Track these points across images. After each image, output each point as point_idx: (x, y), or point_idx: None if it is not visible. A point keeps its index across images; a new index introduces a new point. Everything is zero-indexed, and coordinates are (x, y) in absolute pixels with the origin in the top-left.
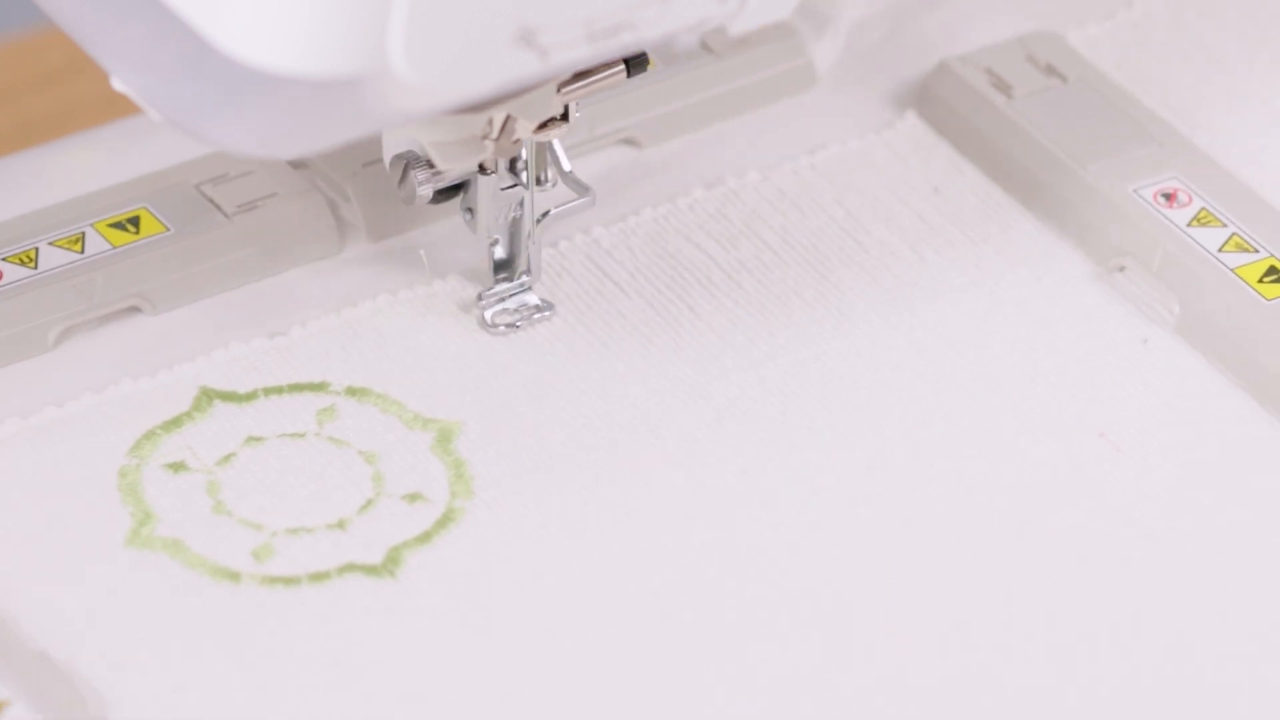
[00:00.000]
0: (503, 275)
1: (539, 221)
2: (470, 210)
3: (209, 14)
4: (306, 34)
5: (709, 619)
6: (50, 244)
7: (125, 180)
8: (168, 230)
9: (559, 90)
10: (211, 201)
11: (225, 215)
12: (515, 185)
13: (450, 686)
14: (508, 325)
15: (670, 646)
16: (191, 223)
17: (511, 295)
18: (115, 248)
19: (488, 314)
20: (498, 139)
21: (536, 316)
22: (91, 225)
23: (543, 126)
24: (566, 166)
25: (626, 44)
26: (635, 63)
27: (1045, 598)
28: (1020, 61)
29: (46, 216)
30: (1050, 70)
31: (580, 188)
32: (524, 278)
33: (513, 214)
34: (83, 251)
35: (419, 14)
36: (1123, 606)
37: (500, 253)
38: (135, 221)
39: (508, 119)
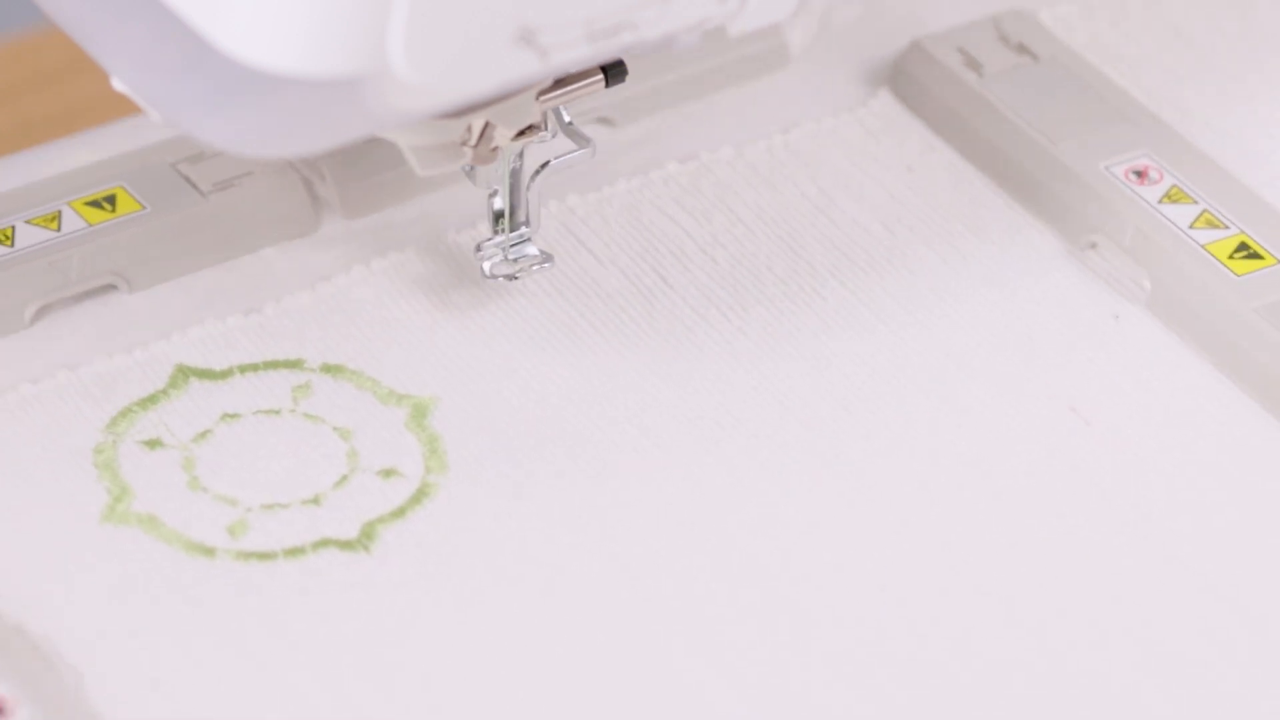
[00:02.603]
0: (501, 226)
1: (538, 172)
2: (471, 166)
3: (209, 14)
4: (306, 34)
5: (684, 589)
6: (26, 222)
7: (102, 159)
8: (144, 208)
9: (537, 98)
10: (188, 180)
11: (201, 193)
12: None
13: (426, 660)
14: (507, 276)
15: (645, 617)
16: (168, 201)
17: (511, 245)
18: (91, 226)
19: (486, 265)
20: (476, 146)
21: (535, 267)
22: (68, 203)
23: (521, 134)
24: (566, 118)
25: (626, 44)
26: (614, 72)
27: (1015, 569)
28: (992, 40)
29: (23, 195)
30: (1022, 49)
31: (580, 139)
32: (523, 229)
33: (512, 165)
34: (59, 230)
35: (419, 14)
36: (1094, 577)
37: (499, 203)
38: (111, 200)
39: (486, 126)
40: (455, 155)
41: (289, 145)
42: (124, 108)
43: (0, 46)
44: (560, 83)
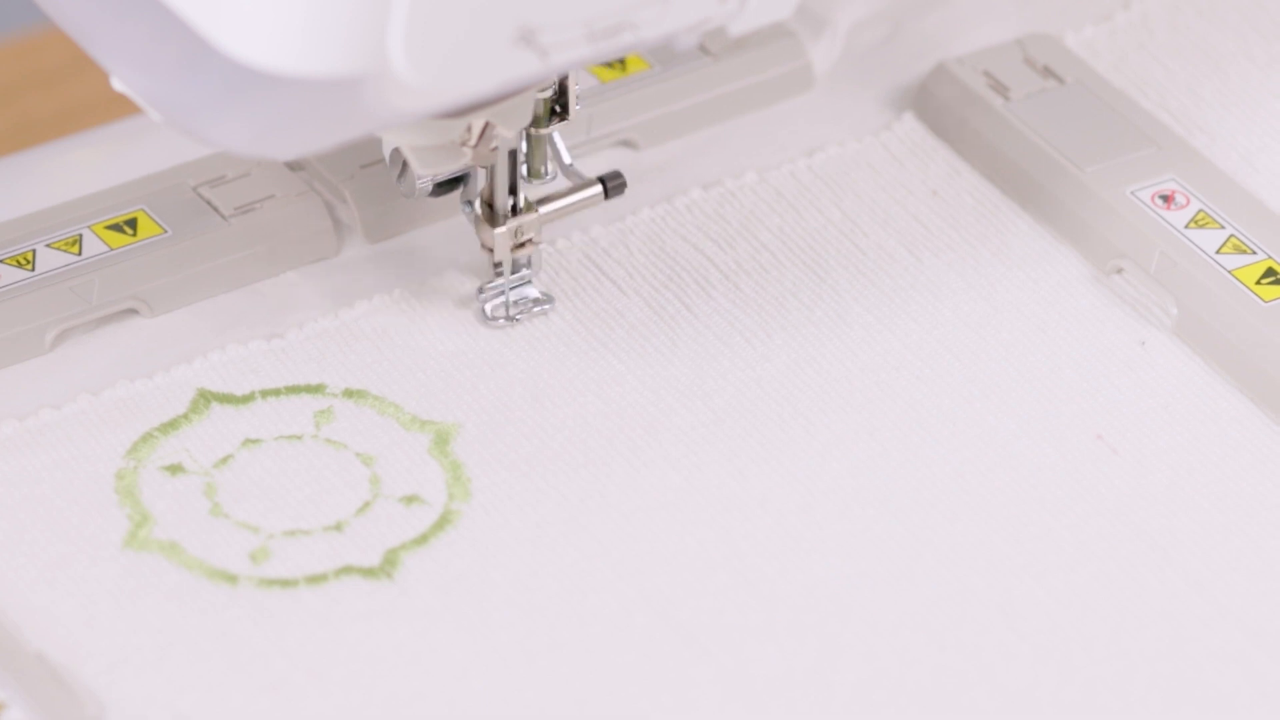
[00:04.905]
0: (502, 268)
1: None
2: (470, 203)
3: (208, 13)
4: (305, 33)
5: (706, 620)
6: (48, 246)
7: (123, 182)
8: (165, 232)
9: (536, 210)
10: (209, 203)
11: (223, 217)
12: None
13: (448, 687)
14: (507, 318)
15: (667, 647)
16: (189, 225)
17: (511, 288)
18: (112, 250)
19: (487, 307)
20: (476, 145)
21: (536, 310)
22: (89, 227)
23: (520, 246)
24: (567, 159)
25: (627, 44)
26: (613, 186)
27: (1042, 599)
28: (1017, 63)
29: (44, 218)
30: (1047, 72)
31: (581, 181)
32: (524, 271)
33: None
34: (80, 253)
35: (419, 14)
36: (1120, 607)
37: None
38: (133, 223)
39: (486, 126)
40: (455, 155)
41: (288, 145)
42: (124, 108)
43: (0, 46)
44: (559, 196)
